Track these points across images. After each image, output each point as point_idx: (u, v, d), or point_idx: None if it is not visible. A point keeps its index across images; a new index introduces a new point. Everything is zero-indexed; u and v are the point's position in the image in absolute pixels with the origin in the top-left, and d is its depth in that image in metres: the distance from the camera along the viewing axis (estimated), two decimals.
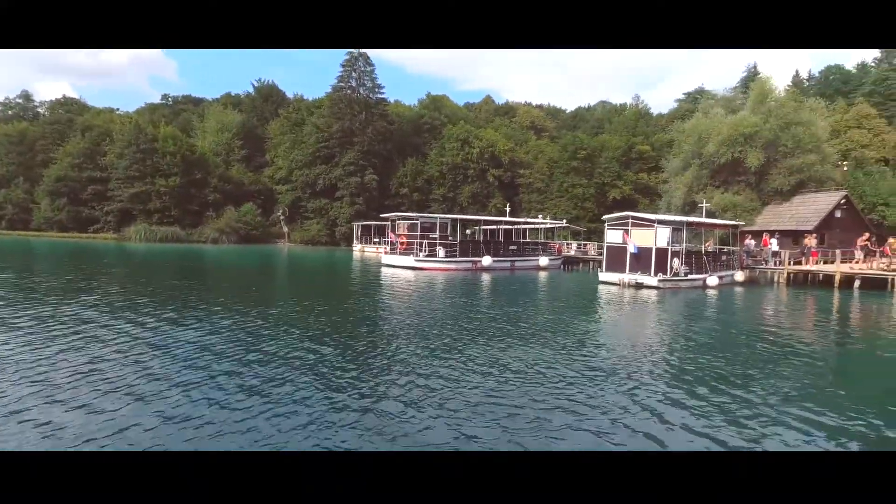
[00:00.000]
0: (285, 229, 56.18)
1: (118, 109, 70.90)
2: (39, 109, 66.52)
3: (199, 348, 8.46)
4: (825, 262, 26.00)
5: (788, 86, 58.31)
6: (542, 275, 27.34)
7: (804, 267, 25.66)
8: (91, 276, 19.26)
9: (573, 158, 52.88)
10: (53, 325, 9.75)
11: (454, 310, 14.11)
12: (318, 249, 49.34)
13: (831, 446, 5.28)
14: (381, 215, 34.85)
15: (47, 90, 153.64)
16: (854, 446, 4.92)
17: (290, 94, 69.47)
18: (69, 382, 6.43)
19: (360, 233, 48.94)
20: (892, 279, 22.52)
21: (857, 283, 22.58)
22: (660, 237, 20.28)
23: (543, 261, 30.28)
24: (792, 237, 31.02)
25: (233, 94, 71.08)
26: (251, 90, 69.25)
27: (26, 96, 67.52)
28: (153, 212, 50.49)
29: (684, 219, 22.43)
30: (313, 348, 8.81)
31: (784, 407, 6.47)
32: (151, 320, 10.64)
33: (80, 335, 9.03)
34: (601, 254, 35.05)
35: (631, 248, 20.62)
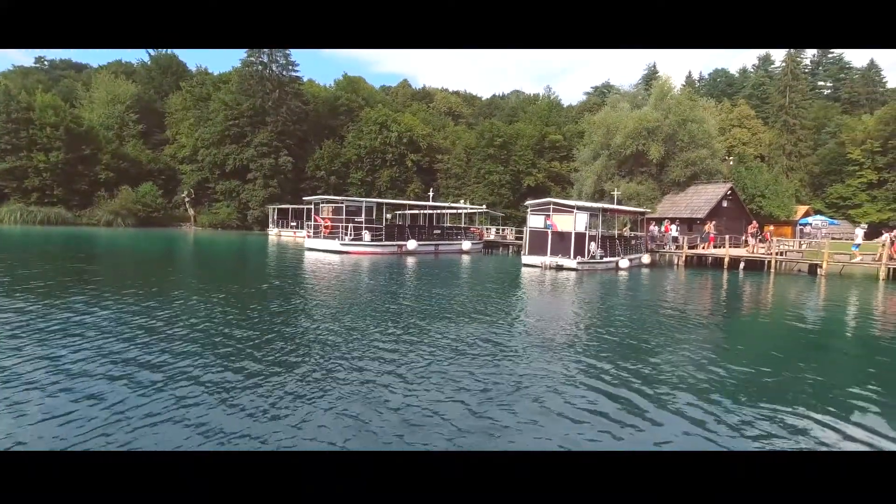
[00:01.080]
0: (191, 212, 52.42)
1: None
2: None
3: (106, 340, 7.75)
4: (715, 247, 29.00)
5: (683, 85, 63.71)
6: (466, 258, 27.94)
7: (699, 251, 28.49)
8: None
9: (490, 146, 54.05)
10: None
11: (390, 293, 14.09)
12: (228, 234, 46.55)
13: (788, 424, 5.77)
14: (304, 198, 33.59)
15: None
16: (851, 445, 5.02)
17: (192, 67, 64.42)
18: None
19: (276, 216, 46.83)
20: (769, 261, 25.69)
21: (741, 265, 25.50)
22: (578, 222, 21.54)
23: (466, 245, 30.98)
24: (687, 224, 34.23)
25: (124, 61, 64.46)
26: (146, 59, 63.34)
27: None
28: (31, 190, 44.78)
29: (600, 205, 23.95)
30: (240, 337, 8.43)
31: (686, 366, 7.50)
32: (43, 312, 9.59)
33: None
34: (519, 238, 36.60)
35: (556, 229, 21.75)
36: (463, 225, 35.50)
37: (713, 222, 30.70)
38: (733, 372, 7.34)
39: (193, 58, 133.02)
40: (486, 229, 39.75)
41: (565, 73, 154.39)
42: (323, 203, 28.10)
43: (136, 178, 50.42)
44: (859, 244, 25.62)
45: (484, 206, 38.04)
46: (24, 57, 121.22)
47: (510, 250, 35.09)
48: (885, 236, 23.52)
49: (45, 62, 69.17)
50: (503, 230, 39.52)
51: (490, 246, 35.45)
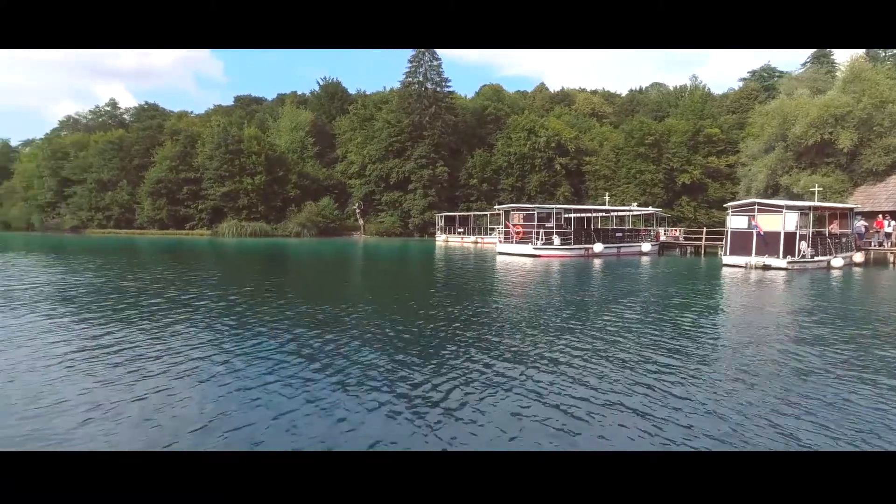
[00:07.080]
0: (360, 222, 58.72)
1: (191, 112, 74.93)
2: (125, 116, 71.11)
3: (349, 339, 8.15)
4: None
5: (863, 57, 56.59)
6: (647, 259, 28.31)
7: None
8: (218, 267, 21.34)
9: (640, 144, 52.82)
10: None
11: (606, 291, 14.76)
12: (393, 240, 50.73)
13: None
14: (497, 206, 36.88)
15: (102, 92, 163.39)
16: (855, 446, 4.67)
17: (352, 91, 71.90)
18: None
19: (443, 223, 50.79)
20: None
21: None
22: (788, 222, 21.26)
23: (646, 247, 31.59)
24: (892, 217, 31.06)
25: (299, 93, 73.98)
26: (317, 88, 72.00)
27: (113, 104, 72.38)
28: (242, 208, 53.85)
29: (810, 204, 23.23)
30: (497, 329, 9.25)
31: None
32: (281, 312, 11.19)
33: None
34: (689, 239, 36.05)
35: (760, 231, 21.75)
36: (631, 227, 35.93)
37: None
38: None
39: (353, 82, 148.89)
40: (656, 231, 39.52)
41: (700, 59, 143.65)
42: (514, 210, 30.51)
43: (315, 193, 57.98)
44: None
45: (650, 208, 37.94)
46: (199, 91, 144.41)
47: (688, 251, 34.69)
48: None
49: (239, 100, 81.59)
50: (671, 230, 38.99)
51: (664, 247, 35.37)
